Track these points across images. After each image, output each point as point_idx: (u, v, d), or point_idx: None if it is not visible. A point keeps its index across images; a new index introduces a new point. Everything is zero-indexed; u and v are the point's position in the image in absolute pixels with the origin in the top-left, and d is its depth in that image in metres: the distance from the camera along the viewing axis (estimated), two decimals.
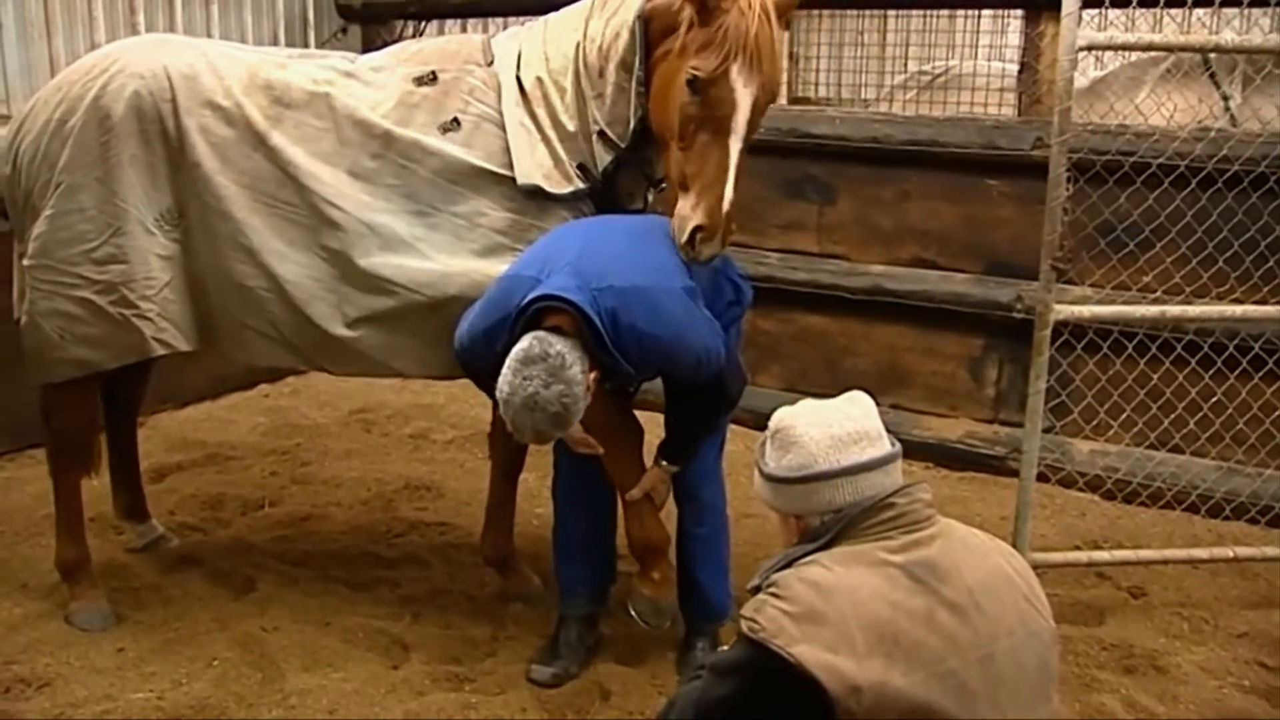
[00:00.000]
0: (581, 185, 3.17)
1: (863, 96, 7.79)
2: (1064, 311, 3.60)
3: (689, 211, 2.88)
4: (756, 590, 1.95)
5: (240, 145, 3.21)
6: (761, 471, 2.06)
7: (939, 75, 6.99)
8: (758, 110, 2.88)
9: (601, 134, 3.14)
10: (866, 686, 1.75)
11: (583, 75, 3.15)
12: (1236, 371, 4.24)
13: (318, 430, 5.34)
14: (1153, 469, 4.35)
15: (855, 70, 7.82)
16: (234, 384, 5.77)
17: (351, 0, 6.60)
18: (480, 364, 2.94)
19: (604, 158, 3.15)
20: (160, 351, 3.33)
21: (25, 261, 3.29)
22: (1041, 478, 3.95)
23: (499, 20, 6.23)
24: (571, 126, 3.16)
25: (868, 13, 7.41)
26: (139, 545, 3.95)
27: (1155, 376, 4.28)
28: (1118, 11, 4.72)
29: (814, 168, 5.23)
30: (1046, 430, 4.00)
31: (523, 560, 3.78)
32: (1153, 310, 3.80)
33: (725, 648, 2.16)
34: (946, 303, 4.94)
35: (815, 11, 7.86)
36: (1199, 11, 5.11)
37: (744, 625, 1.88)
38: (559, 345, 2.65)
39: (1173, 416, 4.35)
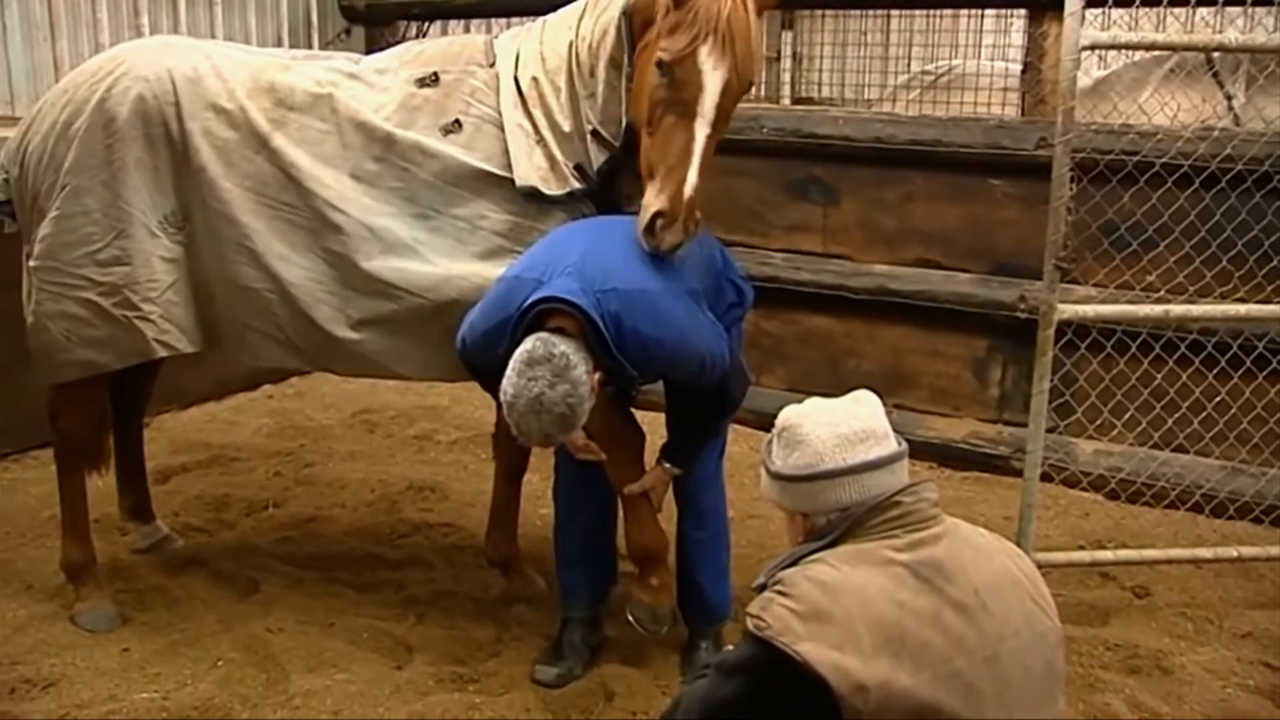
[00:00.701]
0: (578, 186, 3.13)
1: (866, 97, 7.80)
2: (1068, 311, 3.59)
3: (651, 198, 2.79)
4: (762, 588, 1.95)
5: (243, 148, 3.21)
6: (768, 469, 2.06)
7: (942, 75, 6.98)
8: (728, 94, 2.78)
9: (595, 133, 3.10)
10: (873, 685, 1.75)
11: (576, 75, 3.12)
12: (1240, 371, 4.23)
13: (322, 432, 5.34)
14: (1157, 469, 4.35)
15: (859, 70, 7.83)
16: (238, 385, 5.78)
17: (355, 2, 6.61)
18: (482, 364, 2.92)
19: (598, 158, 3.11)
20: (163, 353, 3.33)
21: (31, 263, 3.30)
22: (1045, 478, 3.94)
23: (502, 21, 6.24)
24: (567, 127, 3.12)
25: (871, 13, 7.43)
26: (144, 546, 3.95)
27: (1159, 376, 4.28)
28: (1121, 11, 4.73)
29: (818, 168, 5.23)
30: (1050, 430, 3.99)
31: (527, 562, 3.78)
32: (1156, 310, 3.79)
33: (730, 648, 2.15)
34: (950, 303, 4.94)
35: (819, 12, 7.88)
36: (1202, 11, 5.13)
37: (750, 623, 1.88)
38: (563, 346, 2.61)
39: (1176, 416, 4.34)
